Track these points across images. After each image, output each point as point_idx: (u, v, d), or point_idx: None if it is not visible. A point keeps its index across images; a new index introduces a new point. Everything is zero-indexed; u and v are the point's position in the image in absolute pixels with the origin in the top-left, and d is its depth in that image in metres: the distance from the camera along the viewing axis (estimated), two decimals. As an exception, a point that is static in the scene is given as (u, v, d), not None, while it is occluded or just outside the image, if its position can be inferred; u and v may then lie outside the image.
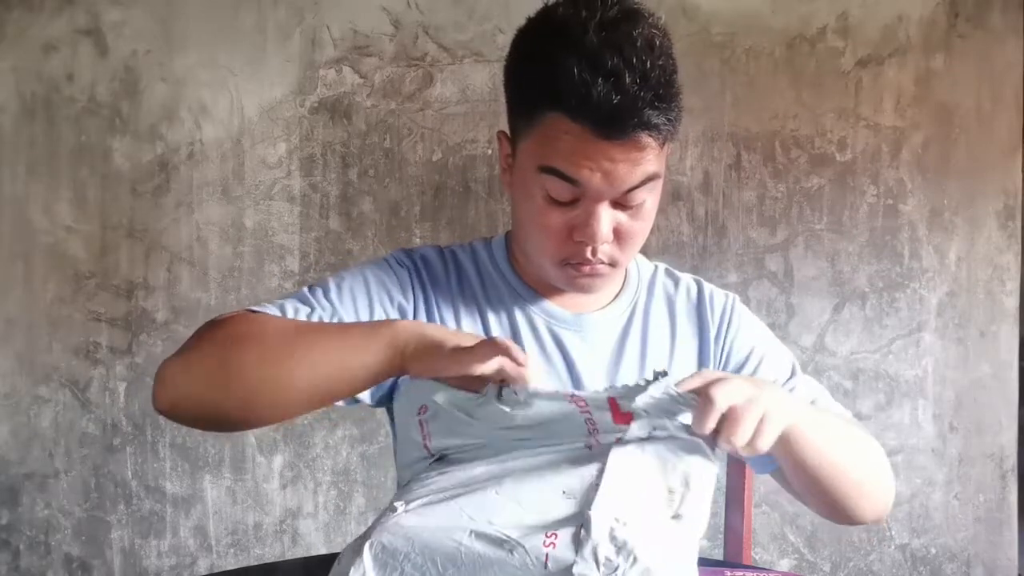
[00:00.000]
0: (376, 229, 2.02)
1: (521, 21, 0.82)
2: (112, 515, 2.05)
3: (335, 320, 0.83)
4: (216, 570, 2.00)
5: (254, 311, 0.80)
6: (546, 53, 0.75)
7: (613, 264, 0.84)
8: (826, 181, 1.98)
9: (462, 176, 2.01)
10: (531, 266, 0.92)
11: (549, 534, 0.55)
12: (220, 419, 0.75)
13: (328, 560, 0.64)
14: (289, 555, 2.02)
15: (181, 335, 2.02)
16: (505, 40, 2.07)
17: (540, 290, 0.93)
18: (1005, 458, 1.98)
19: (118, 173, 2.03)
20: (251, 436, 2.03)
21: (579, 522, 0.56)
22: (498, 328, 0.91)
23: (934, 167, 1.97)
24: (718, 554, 1.23)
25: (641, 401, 0.62)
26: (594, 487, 0.59)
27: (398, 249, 0.95)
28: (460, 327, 0.90)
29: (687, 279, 1.01)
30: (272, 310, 0.82)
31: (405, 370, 0.72)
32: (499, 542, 0.55)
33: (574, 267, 0.84)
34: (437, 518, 0.59)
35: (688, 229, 2.00)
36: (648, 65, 0.72)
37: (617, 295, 0.96)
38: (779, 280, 1.99)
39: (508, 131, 0.86)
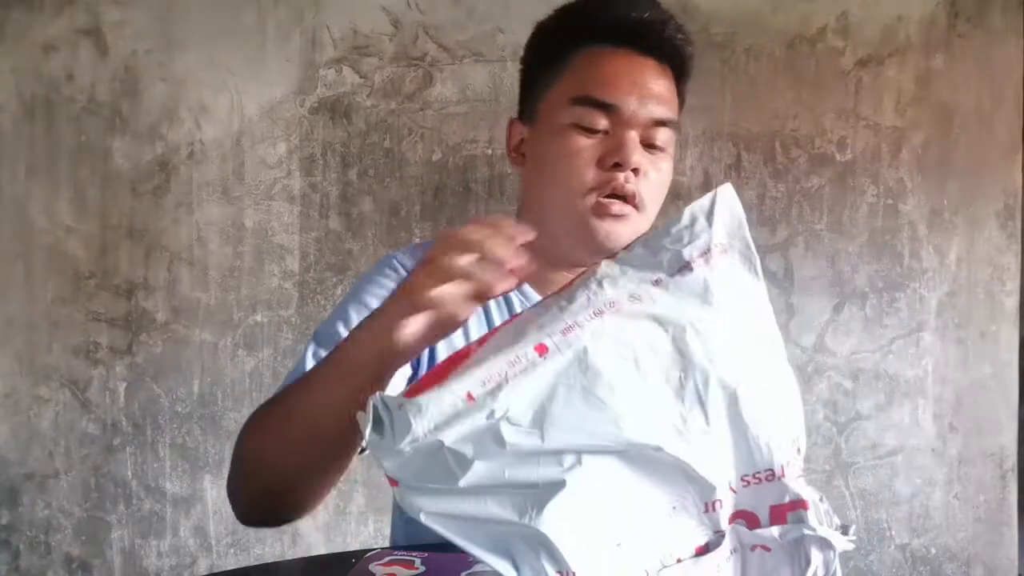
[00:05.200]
0: (376, 229, 2.02)
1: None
2: (112, 515, 2.05)
3: None
4: (216, 570, 2.00)
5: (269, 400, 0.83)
6: (579, 2, 0.88)
7: (638, 207, 0.85)
8: (826, 181, 1.98)
9: (462, 176, 2.01)
10: (547, 239, 0.79)
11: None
12: (288, 511, 0.80)
13: (328, 560, 0.63)
14: (289, 555, 2.02)
15: (181, 335, 2.02)
16: (505, 40, 2.08)
17: (538, 288, 0.93)
18: (1005, 458, 1.98)
19: (118, 173, 2.03)
20: (251, 436, 2.03)
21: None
22: (501, 321, 0.90)
23: (934, 167, 1.97)
24: (718, 554, 1.23)
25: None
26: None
27: (389, 255, 0.95)
28: (464, 327, 0.89)
29: None
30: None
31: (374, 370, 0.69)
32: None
33: (603, 204, 0.84)
34: None
35: (688, 229, 2.00)
36: (668, 12, 0.90)
37: None
38: (779, 280, 1.99)
39: (518, 117, 0.93)
